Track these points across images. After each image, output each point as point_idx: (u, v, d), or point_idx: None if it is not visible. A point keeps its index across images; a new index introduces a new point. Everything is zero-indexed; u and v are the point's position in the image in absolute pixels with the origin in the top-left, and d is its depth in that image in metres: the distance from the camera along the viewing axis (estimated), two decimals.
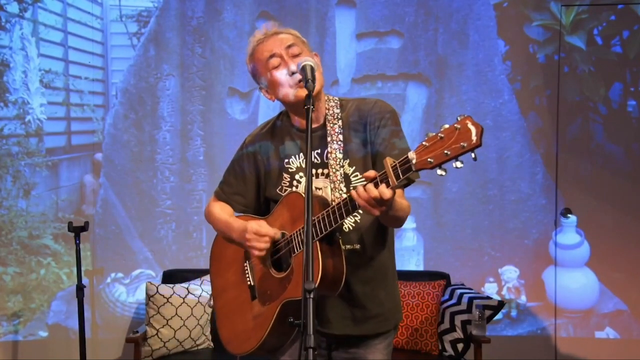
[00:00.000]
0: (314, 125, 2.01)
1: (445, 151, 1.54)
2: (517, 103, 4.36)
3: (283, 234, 1.98)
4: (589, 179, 4.41)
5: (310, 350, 1.52)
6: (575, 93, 4.40)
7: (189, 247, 4.39)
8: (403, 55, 4.37)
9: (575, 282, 4.39)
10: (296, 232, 1.92)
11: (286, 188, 2.06)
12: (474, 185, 4.36)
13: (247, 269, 2.10)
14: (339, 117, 2.02)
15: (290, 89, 1.98)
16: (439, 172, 1.57)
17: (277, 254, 2.00)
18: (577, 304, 4.39)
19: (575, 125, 4.44)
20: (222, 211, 2.18)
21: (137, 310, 4.34)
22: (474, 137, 1.51)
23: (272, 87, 2.03)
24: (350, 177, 1.99)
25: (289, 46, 1.99)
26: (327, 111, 2.04)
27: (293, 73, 1.96)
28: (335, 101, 2.07)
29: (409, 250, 4.37)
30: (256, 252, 1.98)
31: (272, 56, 1.99)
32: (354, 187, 1.93)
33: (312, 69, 1.87)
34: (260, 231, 1.95)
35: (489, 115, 4.35)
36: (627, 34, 4.40)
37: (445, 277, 4.05)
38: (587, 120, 4.44)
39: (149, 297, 3.84)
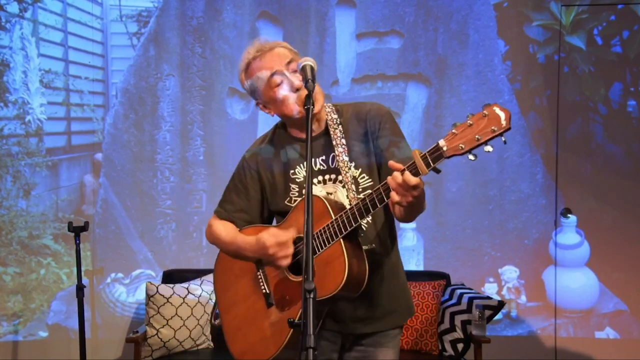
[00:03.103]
0: (315, 133, 2.04)
1: (477, 136, 1.61)
2: (517, 103, 4.36)
3: (300, 238, 1.95)
4: (589, 179, 4.41)
5: (311, 350, 1.52)
6: (575, 93, 4.40)
7: (189, 247, 4.39)
8: (403, 55, 4.37)
9: (575, 282, 4.39)
10: (317, 232, 1.90)
11: (295, 198, 2.04)
12: (474, 185, 4.36)
13: (260, 278, 2.06)
14: (339, 122, 2.04)
15: (296, 106, 1.98)
16: (470, 157, 1.64)
17: (295, 258, 1.96)
18: (577, 304, 4.39)
19: (575, 125, 4.44)
20: (227, 231, 2.12)
21: (137, 310, 4.34)
22: (503, 121, 1.59)
23: (274, 104, 2.02)
24: (358, 180, 2.01)
25: (289, 62, 1.99)
26: (326, 116, 2.05)
27: (297, 89, 1.96)
28: (330, 107, 2.07)
29: (409, 250, 4.37)
30: (284, 262, 1.92)
31: (274, 74, 1.98)
32: (364, 190, 1.98)
33: (312, 68, 1.86)
34: (281, 240, 1.90)
35: None
36: (627, 34, 4.40)
37: (445, 277, 4.05)
38: (587, 120, 4.44)
39: (149, 297, 3.83)
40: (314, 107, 1.81)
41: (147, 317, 3.82)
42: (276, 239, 1.91)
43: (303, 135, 2.05)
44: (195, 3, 4.38)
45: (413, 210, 1.85)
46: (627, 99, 4.42)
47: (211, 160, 4.39)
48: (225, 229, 2.12)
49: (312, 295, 1.55)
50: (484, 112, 1.60)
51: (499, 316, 4.06)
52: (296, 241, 1.96)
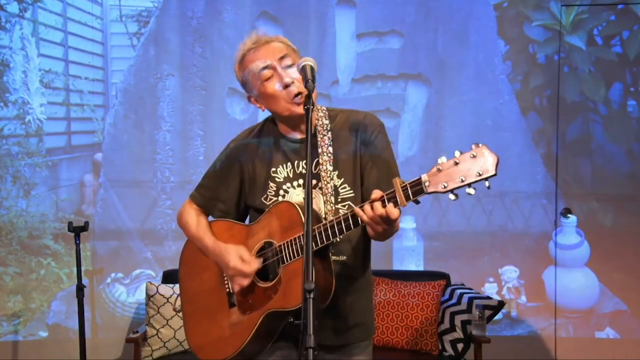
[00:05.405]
0: (302, 135, 1.99)
1: (461, 177, 1.58)
2: (517, 103, 4.36)
3: (270, 243, 1.93)
4: (589, 179, 4.41)
5: (310, 350, 1.51)
6: (575, 93, 4.40)
7: None
8: (403, 55, 4.37)
9: (575, 282, 4.38)
10: (287, 242, 1.87)
11: (272, 197, 2.00)
12: (474, 186, 4.35)
13: (226, 276, 2.04)
14: (329, 128, 1.97)
15: (285, 103, 1.93)
16: (451, 197, 1.60)
17: (262, 264, 1.94)
18: (577, 304, 4.39)
19: (575, 125, 4.44)
20: (197, 225, 2.12)
21: (137, 310, 4.34)
22: (490, 167, 1.58)
23: (264, 99, 1.97)
24: (339, 189, 1.95)
25: (282, 57, 1.95)
26: (316, 121, 1.98)
27: (287, 86, 1.91)
28: (324, 111, 2.01)
29: (409, 250, 4.37)
30: (236, 288, 1.96)
31: (265, 67, 1.93)
32: (343, 200, 1.93)
33: (312, 68, 1.81)
34: (244, 270, 1.91)
35: (489, 115, 4.35)
36: (627, 34, 4.40)
37: (445, 277, 4.05)
38: (587, 120, 4.44)
39: (149, 297, 3.83)
40: (313, 106, 1.77)
41: (147, 317, 3.82)
42: (241, 265, 1.92)
43: (292, 134, 2.01)
44: (195, 3, 4.38)
45: (378, 234, 1.81)
46: (627, 99, 4.42)
47: (211, 160, 4.34)
48: (197, 222, 2.13)
49: (312, 295, 1.55)
50: (472, 152, 1.57)
51: (499, 316, 4.06)
52: (265, 247, 1.94)
